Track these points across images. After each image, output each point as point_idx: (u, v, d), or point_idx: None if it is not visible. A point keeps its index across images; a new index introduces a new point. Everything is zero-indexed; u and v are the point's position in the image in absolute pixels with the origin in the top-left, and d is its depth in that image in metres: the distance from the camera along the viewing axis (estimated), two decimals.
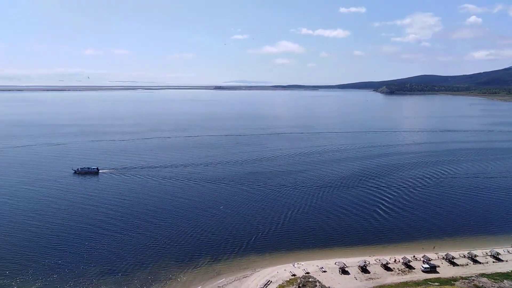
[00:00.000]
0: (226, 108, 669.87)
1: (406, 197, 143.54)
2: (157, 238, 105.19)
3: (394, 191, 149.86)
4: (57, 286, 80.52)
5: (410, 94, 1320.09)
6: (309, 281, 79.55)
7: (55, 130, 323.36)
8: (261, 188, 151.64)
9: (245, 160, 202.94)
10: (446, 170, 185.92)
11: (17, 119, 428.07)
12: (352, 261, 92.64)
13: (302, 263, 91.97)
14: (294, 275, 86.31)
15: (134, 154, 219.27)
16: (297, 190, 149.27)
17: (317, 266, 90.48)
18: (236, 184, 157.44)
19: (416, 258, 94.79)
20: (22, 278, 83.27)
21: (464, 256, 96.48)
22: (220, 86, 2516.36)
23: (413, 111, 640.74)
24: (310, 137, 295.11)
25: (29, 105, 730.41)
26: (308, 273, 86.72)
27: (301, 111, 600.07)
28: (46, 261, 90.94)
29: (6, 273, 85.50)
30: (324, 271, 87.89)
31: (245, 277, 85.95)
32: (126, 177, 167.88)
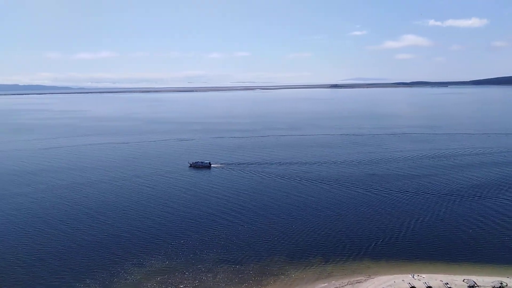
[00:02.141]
0: (342, 106, 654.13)
1: None
2: (269, 232, 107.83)
3: None
4: (181, 267, 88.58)
5: None
6: None
7: (183, 127, 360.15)
8: (379, 192, 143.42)
9: (361, 161, 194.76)
10: None
11: (154, 117, 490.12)
12: (485, 280, 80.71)
13: (424, 276, 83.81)
14: (413, 287, 79.18)
15: (249, 150, 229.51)
16: (420, 197, 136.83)
17: (441, 281, 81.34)
18: (351, 186, 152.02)
19: None
20: (151, 258, 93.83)
21: None
22: (337, 85, 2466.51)
23: None
24: (436, 138, 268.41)
25: (163, 104, 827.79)
26: (430, 287, 78.65)
27: (426, 110, 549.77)
28: (172, 243, 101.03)
29: (136, 251, 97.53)
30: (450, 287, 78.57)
31: (358, 282, 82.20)
32: (236, 172, 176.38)
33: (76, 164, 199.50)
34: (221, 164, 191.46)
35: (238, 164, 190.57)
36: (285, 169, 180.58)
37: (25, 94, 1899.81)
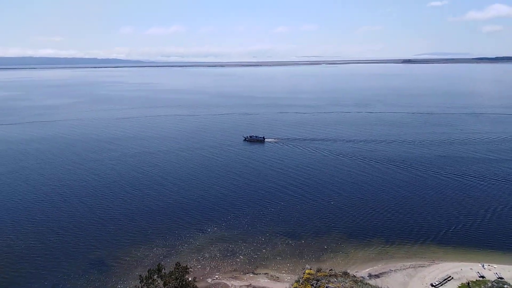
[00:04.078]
0: (415, 83, 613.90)
1: None
2: (329, 209, 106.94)
3: None
4: (241, 237, 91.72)
5: None
6: None
7: (247, 102, 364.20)
8: (451, 176, 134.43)
9: (433, 142, 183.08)
10: None
11: (220, 91, 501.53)
12: None
13: (495, 266, 78.24)
14: (482, 276, 74.40)
15: (310, 126, 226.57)
16: (499, 183, 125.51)
17: None
18: (420, 168, 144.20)
19: None
20: (213, 226, 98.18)
21: None
22: (410, 60, 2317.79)
23: None
24: None
25: (229, 79, 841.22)
26: (501, 278, 73.29)
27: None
28: (232, 213, 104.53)
29: (199, 219, 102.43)
30: None
31: (421, 266, 79.09)
32: (291, 147, 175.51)
33: (146, 134, 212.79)
34: (275, 138, 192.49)
35: (294, 140, 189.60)
36: (347, 147, 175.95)
37: (103, 67, 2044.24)
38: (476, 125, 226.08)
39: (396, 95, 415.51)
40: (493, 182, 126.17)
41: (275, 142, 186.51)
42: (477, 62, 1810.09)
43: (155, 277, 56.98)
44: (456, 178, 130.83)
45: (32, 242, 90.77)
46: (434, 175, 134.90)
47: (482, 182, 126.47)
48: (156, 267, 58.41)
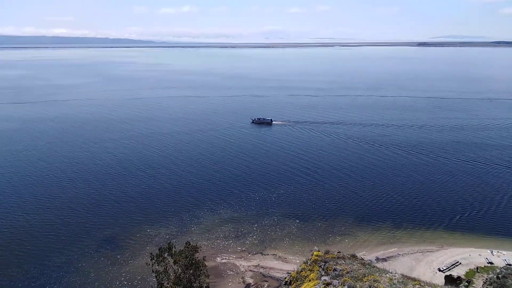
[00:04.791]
0: (429, 67, 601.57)
1: None
2: (337, 192, 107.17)
3: None
4: (250, 219, 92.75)
5: None
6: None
7: (258, 84, 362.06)
8: (462, 162, 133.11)
9: (445, 127, 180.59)
10: None
11: (231, 73, 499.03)
12: None
13: (504, 253, 78.15)
14: (490, 263, 74.47)
15: (320, 110, 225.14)
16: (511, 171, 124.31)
17: None
18: (430, 153, 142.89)
19: None
20: (222, 208, 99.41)
21: None
22: (425, 43, 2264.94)
23: None
24: None
25: (240, 60, 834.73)
26: (510, 265, 73.10)
27: None
28: (242, 195, 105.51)
29: (209, 200, 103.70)
30: None
31: (429, 251, 79.37)
32: (299, 130, 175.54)
33: (158, 115, 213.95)
34: (283, 121, 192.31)
35: (303, 122, 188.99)
36: (358, 131, 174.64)
37: (115, 47, 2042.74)
38: (491, 110, 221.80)
39: (409, 79, 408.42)
40: (505, 169, 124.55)
41: (283, 125, 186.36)
42: (494, 46, 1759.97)
43: (165, 255, 58.28)
44: (468, 165, 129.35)
45: (49, 217, 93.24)
46: (446, 160, 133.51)
47: (495, 169, 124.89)
48: (167, 245, 59.64)
